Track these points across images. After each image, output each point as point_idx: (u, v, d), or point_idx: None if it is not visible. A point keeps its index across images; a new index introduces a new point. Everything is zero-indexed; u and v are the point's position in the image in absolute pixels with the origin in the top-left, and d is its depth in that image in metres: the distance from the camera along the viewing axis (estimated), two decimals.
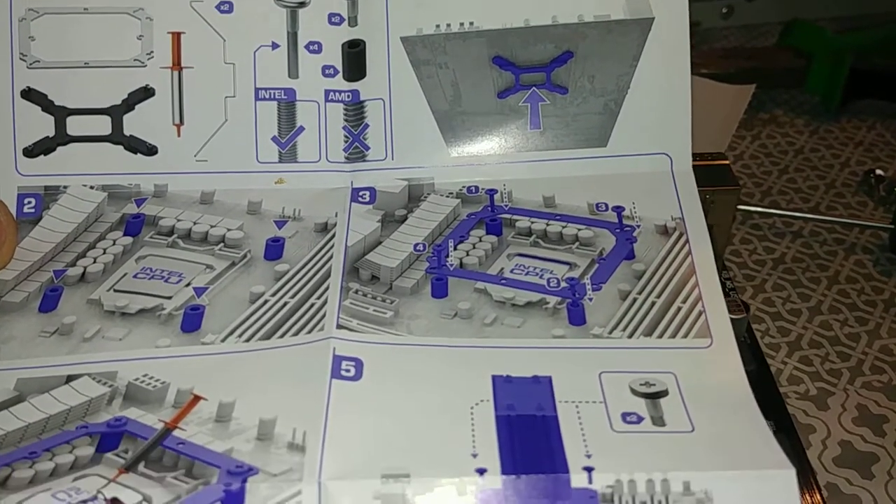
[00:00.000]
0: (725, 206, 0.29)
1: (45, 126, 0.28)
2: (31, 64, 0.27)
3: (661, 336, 0.23)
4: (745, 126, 0.46)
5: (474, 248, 0.26)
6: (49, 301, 0.25)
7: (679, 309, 0.24)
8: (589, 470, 0.19)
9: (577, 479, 0.19)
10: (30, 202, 0.28)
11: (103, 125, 0.28)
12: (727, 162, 0.30)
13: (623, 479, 0.19)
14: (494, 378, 0.22)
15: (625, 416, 0.21)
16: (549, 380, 0.22)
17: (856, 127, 0.47)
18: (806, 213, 0.40)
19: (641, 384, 0.22)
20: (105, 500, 0.20)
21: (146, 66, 0.28)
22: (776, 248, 0.38)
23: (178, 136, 0.28)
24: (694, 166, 0.28)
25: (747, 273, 0.36)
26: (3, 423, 0.22)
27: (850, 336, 0.33)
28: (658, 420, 0.21)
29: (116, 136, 0.28)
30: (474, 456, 0.20)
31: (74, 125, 0.28)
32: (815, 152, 0.45)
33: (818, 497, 0.23)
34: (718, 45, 0.54)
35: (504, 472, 0.19)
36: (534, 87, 0.28)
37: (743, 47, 0.53)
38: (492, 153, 0.28)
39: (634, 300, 0.24)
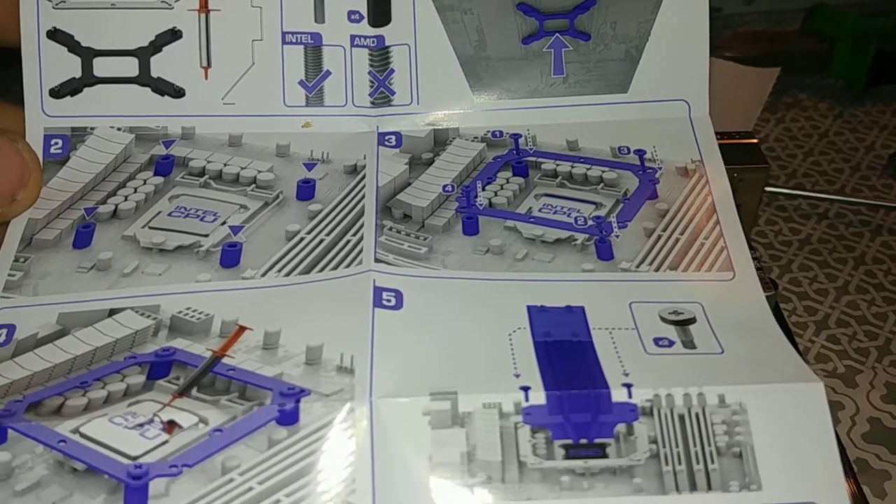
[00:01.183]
0: (753, 185, 0.28)
1: (71, 67, 0.28)
2: (56, 4, 0.27)
3: (685, 270, 0.24)
4: (770, 110, 0.46)
5: (502, 188, 0.27)
6: (83, 237, 0.25)
7: (702, 245, 0.25)
8: (628, 386, 0.20)
9: (618, 395, 0.20)
10: (56, 143, 0.28)
11: (130, 67, 0.28)
12: (755, 141, 0.29)
13: (661, 394, 0.20)
14: (529, 308, 0.23)
15: (657, 340, 0.22)
16: (582, 309, 0.23)
17: (880, 111, 0.46)
18: (831, 195, 0.40)
19: (670, 312, 0.23)
20: (162, 422, 0.20)
21: (173, 8, 0.28)
22: (802, 230, 0.38)
23: (206, 78, 0.28)
24: (722, 145, 0.28)
25: (773, 254, 0.36)
26: (50, 355, 0.22)
27: (878, 315, 0.34)
28: (689, 343, 0.22)
29: (143, 78, 0.28)
30: (517, 376, 0.21)
31: (101, 66, 0.28)
32: (840, 136, 0.45)
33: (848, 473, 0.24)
34: (741, 30, 0.52)
35: (547, 389, 0.20)
36: (557, 34, 0.29)
37: (766, 31, 0.52)
38: (516, 98, 0.29)
39: (659, 237, 0.25)
